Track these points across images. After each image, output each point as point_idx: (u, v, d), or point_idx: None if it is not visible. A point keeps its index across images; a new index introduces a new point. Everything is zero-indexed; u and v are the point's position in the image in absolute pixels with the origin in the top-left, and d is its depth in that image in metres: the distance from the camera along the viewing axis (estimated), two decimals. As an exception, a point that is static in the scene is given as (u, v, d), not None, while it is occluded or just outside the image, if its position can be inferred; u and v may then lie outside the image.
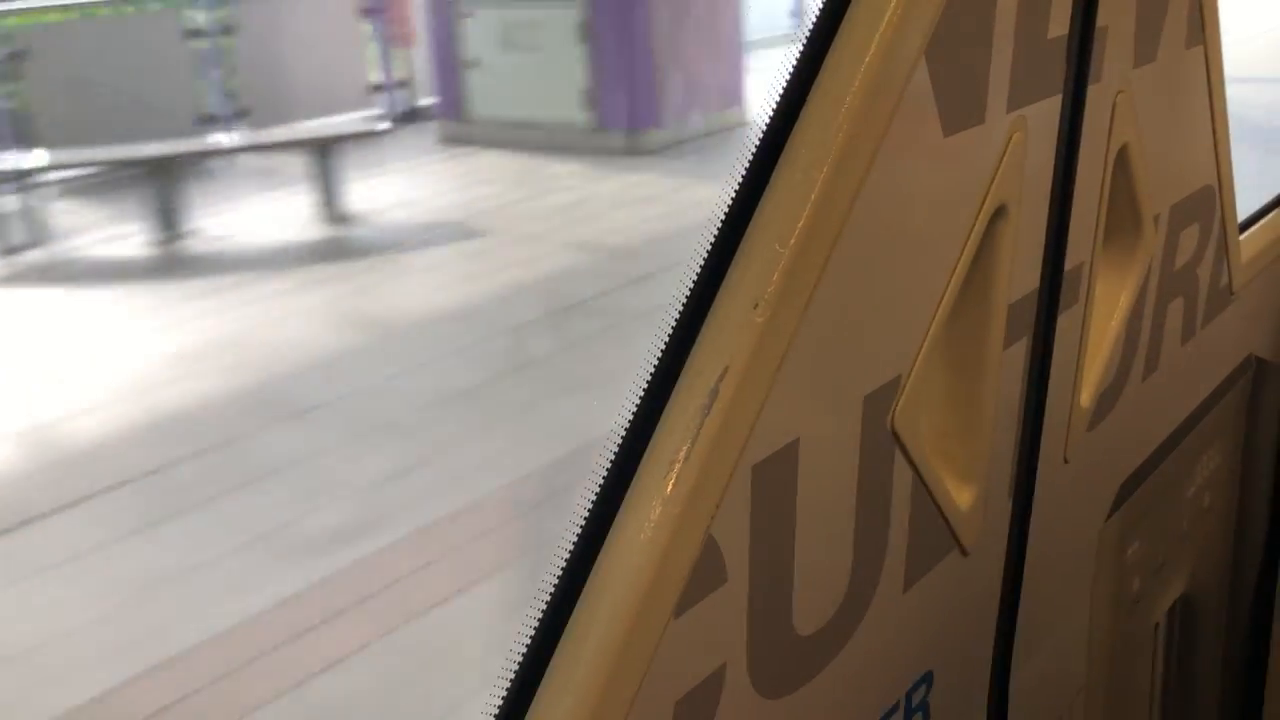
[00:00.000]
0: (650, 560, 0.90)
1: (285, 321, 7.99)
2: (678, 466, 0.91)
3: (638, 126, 11.99)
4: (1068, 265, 1.42)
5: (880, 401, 1.14)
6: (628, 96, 11.96)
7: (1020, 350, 1.38)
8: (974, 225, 1.21)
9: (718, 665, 1.00)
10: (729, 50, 12.73)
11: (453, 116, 12.95)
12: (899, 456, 1.19)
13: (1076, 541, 1.71)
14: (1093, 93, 1.38)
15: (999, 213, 1.24)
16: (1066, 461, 1.55)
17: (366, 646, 4.38)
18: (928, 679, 1.36)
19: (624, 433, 0.94)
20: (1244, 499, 2.39)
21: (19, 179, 9.95)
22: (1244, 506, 2.40)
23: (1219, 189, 1.88)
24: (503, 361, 7.11)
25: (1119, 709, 1.98)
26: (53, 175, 10.56)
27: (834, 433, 1.10)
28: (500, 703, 0.91)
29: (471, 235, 9.77)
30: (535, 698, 0.89)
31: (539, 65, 12.31)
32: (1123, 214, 1.57)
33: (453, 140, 12.86)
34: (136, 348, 7.60)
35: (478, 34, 12.51)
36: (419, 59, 13.80)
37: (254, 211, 10.59)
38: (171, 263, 9.44)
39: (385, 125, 11.48)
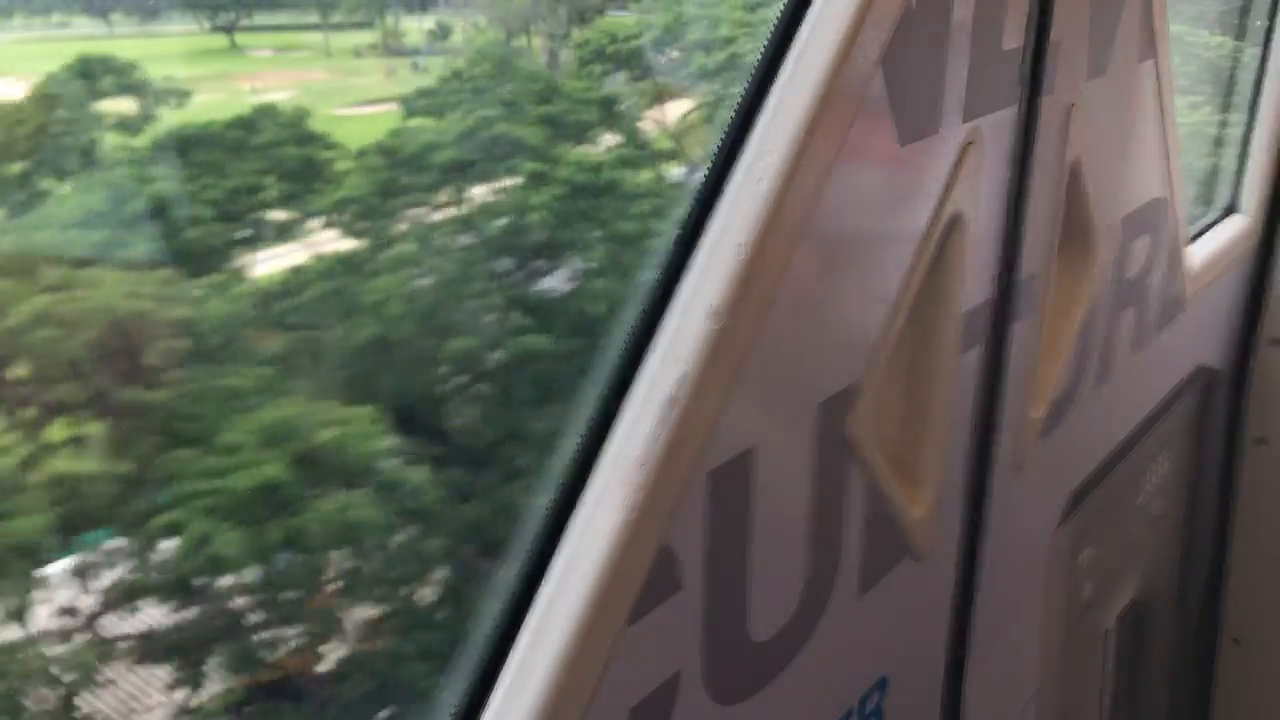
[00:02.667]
0: (605, 567, 0.89)
1: None
2: (634, 473, 0.91)
3: None
4: (1022, 274, 1.44)
5: (835, 408, 1.14)
6: None
7: (974, 358, 1.39)
8: (930, 234, 1.22)
9: (673, 672, 1.00)
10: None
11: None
12: (853, 463, 1.19)
13: (1029, 547, 1.73)
14: (1046, 104, 1.39)
15: (954, 222, 1.25)
16: (1019, 469, 1.57)
17: None
18: (882, 684, 1.36)
19: (580, 438, 0.94)
20: (1193, 507, 2.42)
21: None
22: (1193, 514, 2.43)
23: (1170, 201, 1.91)
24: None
25: (1071, 713, 2.00)
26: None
27: (790, 439, 1.10)
28: (454, 709, 0.90)
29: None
30: (488, 705, 0.89)
31: None
32: (1076, 225, 1.59)
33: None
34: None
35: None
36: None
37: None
38: None
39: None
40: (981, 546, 1.49)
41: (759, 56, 1.00)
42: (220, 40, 9.72)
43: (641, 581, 0.92)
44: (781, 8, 1.01)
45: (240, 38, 9.80)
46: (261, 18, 10.11)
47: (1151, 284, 1.93)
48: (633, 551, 0.91)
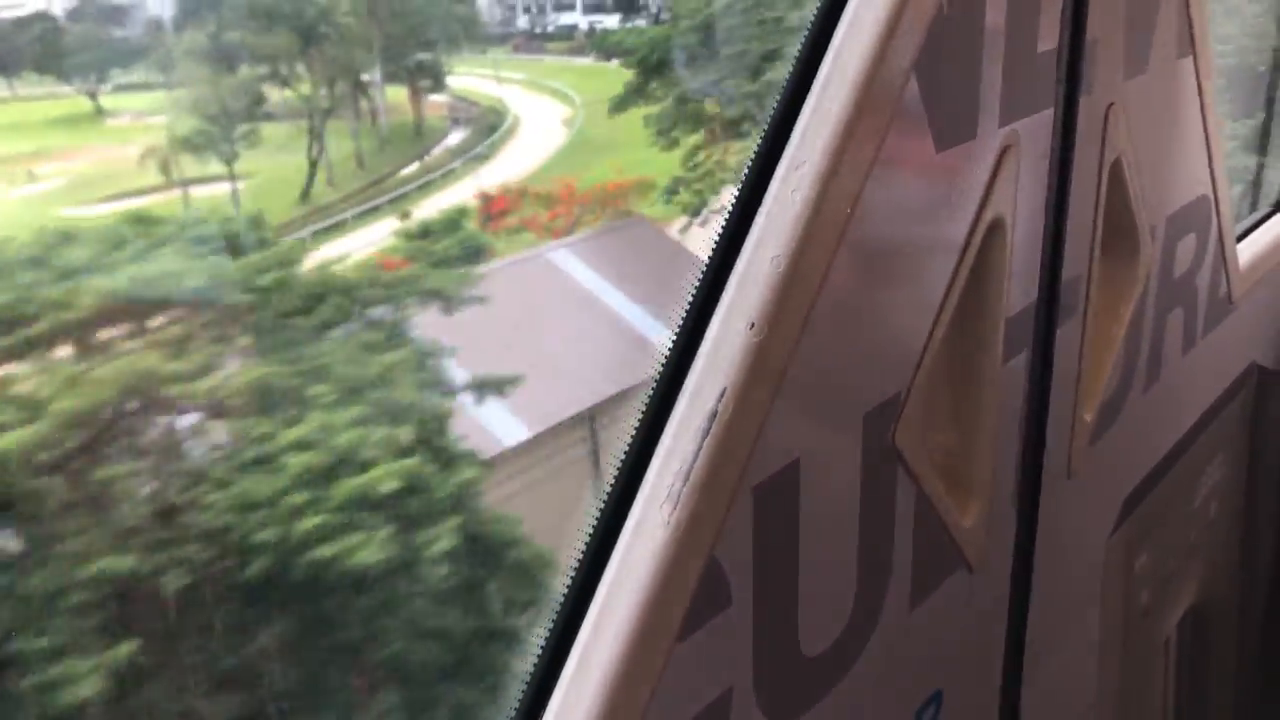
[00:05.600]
0: (652, 584, 0.89)
1: None
2: (679, 490, 0.90)
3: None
4: (1065, 277, 1.42)
5: (881, 419, 1.13)
6: None
7: (1020, 364, 1.37)
8: (970, 240, 1.21)
9: (724, 689, 0.99)
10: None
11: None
12: (901, 474, 1.18)
13: (1083, 555, 1.70)
14: (1084, 105, 1.38)
15: (994, 227, 1.24)
16: (1071, 475, 1.55)
17: None
18: (937, 698, 1.35)
19: (623, 456, 0.94)
20: (1251, 508, 2.38)
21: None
22: (1251, 516, 2.38)
23: (1215, 199, 1.88)
24: None
25: None
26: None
27: (835, 451, 1.09)
28: None
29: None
30: None
31: None
32: (1119, 225, 1.57)
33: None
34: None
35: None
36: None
37: None
38: None
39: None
40: (1035, 555, 1.47)
41: (792, 67, 1.00)
42: (85, 105, 8.33)
43: (690, 598, 0.92)
44: (813, 17, 1.00)
45: (112, 100, 8.36)
46: (152, 74, 8.32)
47: (1199, 283, 1.90)
48: (680, 568, 0.90)
